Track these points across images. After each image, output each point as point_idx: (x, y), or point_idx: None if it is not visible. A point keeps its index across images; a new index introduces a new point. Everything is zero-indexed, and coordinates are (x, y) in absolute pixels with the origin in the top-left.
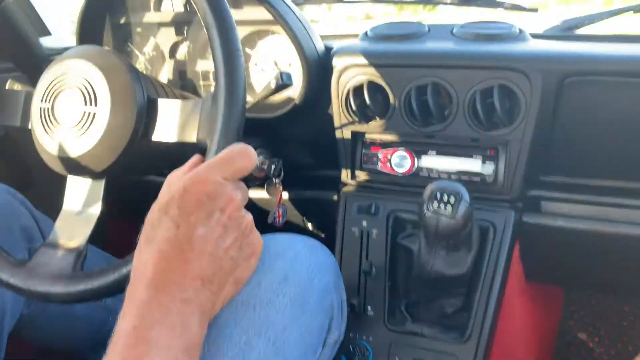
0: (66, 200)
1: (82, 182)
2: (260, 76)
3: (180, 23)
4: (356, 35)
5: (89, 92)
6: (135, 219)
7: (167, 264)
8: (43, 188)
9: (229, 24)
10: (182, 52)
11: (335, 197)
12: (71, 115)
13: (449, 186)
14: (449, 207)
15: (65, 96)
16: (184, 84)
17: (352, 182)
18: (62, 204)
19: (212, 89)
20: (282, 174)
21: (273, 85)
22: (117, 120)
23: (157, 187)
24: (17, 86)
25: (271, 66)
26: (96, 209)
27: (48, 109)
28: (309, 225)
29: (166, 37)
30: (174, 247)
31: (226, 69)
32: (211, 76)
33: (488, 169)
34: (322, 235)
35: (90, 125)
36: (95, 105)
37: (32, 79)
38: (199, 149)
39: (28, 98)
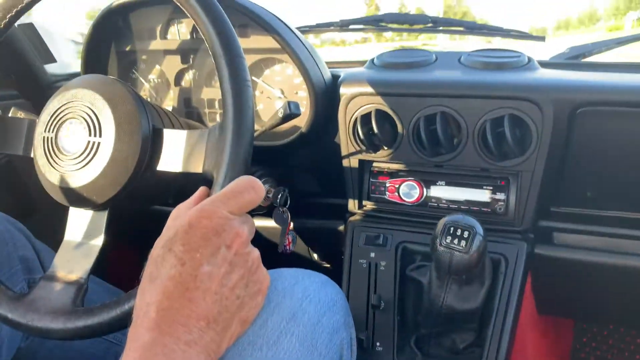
0: (68, 231)
1: (85, 213)
2: (267, 104)
3: (186, 51)
4: (362, 63)
5: (93, 122)
6: (138, 247)
7: (171, 304)
8: (44, 217)
9: (238, 54)
10: (187, 80)
11: (342, 227)
12: (75, 145)
13: (462, 220)
14: (462, 242)
15: (69, 126)
16: (188, 112)
17: (360, 211)
18: (63, 235)
19: (218, 117)
20: (289, 202)
21: (281, 115)
22: (122, 150)
23: (161, 217)
24: (21, 114)
25: (277, 94)
26: (98, 241)
27: (51, 138)
28: (315, 256)
29: (172, 64)
30: (178, 285)
31: (234, 100)
32: (217, 104)
33: (499, 199)
34: (328, 266)
35: (94, 155)
36: (100, 135)
37: (36, 107)
38: (205, 180)
39: (31, 126)
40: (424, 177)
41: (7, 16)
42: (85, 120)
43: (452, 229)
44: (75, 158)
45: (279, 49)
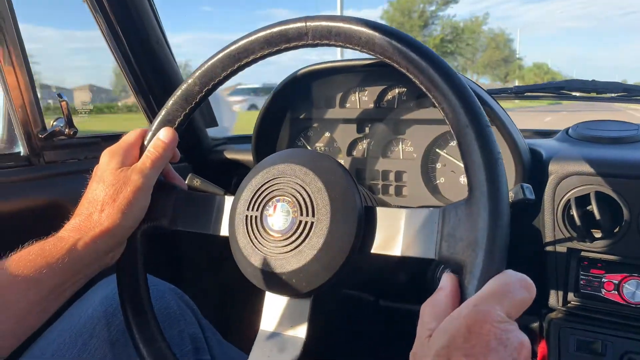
0: (264, 320)
1: (283, 300)
2: (450, 178)
3: (364, 120)
4: (546, 134)
5: (304, 200)
6: None
7: None
8: (191, 286)
9: (487, 124)
10: (359, 150)
11: (535, 324)
12: (283, 225)
13: None
14: None
15: (276, 204)
16: (358, 182)
17: (563, 308)
18: (217, 309)
19: (391, 189)
20: None
21: (511, 200)
22: (337, 232)
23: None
24: (197, 182)
25: (460, 169)
26: (301, 333)
27: (256, 217)
28: None
29: (346, 133)
30: None
31: (488, 175)
32: (392, 176)
33: None
34: None
35: (306, 238)
36: (313, 215)
37: (197, 170)
38: (422, 265)
39: (221, 203)
40: None
41: (204, 90)
42: (296, 198)
43: None
44: (285, 239)
45: None
